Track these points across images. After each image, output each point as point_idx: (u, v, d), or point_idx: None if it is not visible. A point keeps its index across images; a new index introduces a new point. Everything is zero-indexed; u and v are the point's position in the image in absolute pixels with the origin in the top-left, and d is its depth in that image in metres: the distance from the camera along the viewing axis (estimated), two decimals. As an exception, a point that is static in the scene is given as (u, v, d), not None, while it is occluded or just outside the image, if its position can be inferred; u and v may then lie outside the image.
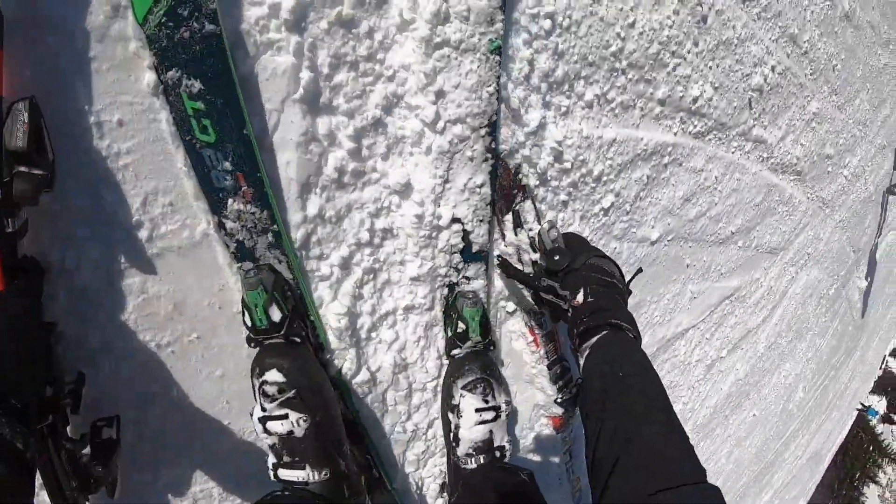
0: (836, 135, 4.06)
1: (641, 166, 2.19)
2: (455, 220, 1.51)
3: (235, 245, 1.20)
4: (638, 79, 2.06)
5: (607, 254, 1.41)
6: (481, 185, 1.52)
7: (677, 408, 3.32)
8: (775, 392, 5.18)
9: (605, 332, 1.19)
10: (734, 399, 4.16)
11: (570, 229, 2.03)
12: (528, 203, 1.75)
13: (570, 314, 1.32)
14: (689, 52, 2.24)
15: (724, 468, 4.83)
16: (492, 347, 1.61)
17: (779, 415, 5.66)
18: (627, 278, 1.40)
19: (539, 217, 1.80)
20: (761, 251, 3.45)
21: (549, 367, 2.02)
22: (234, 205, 1.16)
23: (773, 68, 2.86)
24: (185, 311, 1.22)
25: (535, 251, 1.61)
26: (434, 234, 1.50)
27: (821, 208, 4.23)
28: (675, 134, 2.31)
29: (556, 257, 1.39)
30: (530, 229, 1.69)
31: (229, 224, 1.18)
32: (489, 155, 1.52)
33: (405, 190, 1.42)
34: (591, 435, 1.01)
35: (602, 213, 2.11)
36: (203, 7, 1.01)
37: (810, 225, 4.14)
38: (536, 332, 1.92)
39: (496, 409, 1.49)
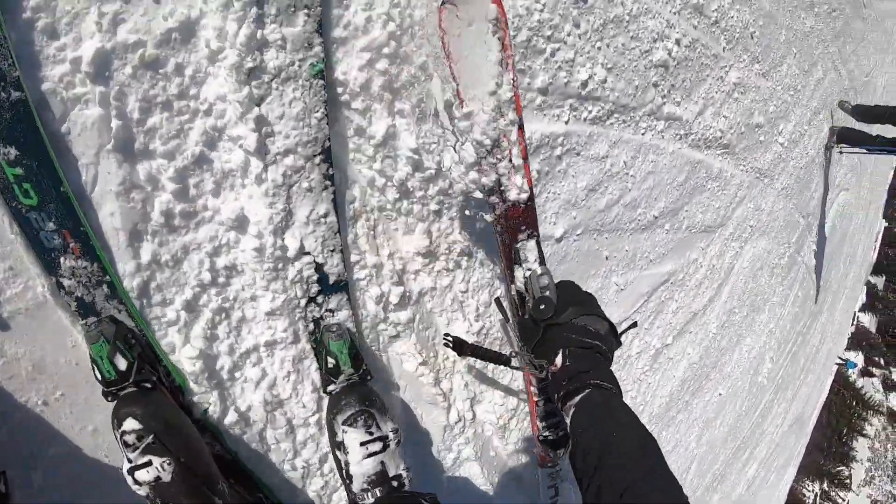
0: (763, 103, 3.90)
1: (530, 161, 1.99)
2: (304, 252, 1.45)
3: (76, 302, 1.21)
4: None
5: (599, 308, 1.34)
6: (325, 215, 1.47)
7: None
8: (740, 368, 5.03)
9: (587, 391, 1.17)
10: (692, 383, 3.99)
11: (450, 238, 1.85)
12: (533, 242, 1.67)
13: (549, 378, 1.31)
14: (569, 35, 2.04)
15: (695, 452, 4.67)
16: (368, 377, 1.55)
17: (748, 389, 5.52)
18: (622, 329, 1.34)
19: (542, 258, 1.69)
20: (695, 231, 3.28)
21: (537, 404, 2.03)
22: (66, 262, 1.18)
23: (678, 42, 2.67)
24: (45, 370, 1.22)
25: (527, 292, 1.56)
26: (281, 266, 1.44)
27: (758, 179, 4.07)
28: (566, 122, 2.11)
29: (542, 307, 1.34)
30: (528, 269, 1.63)
31: (66, 282, 1.19)
32: (328, 183, 1.45)
33: (241, 224, 1.36)
34: (587, 495, 1.01)
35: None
36: (7, 76, 1.03)
37: (748, 197, 3.97)
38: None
39: (383, 438, 1.44)
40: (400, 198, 1.70)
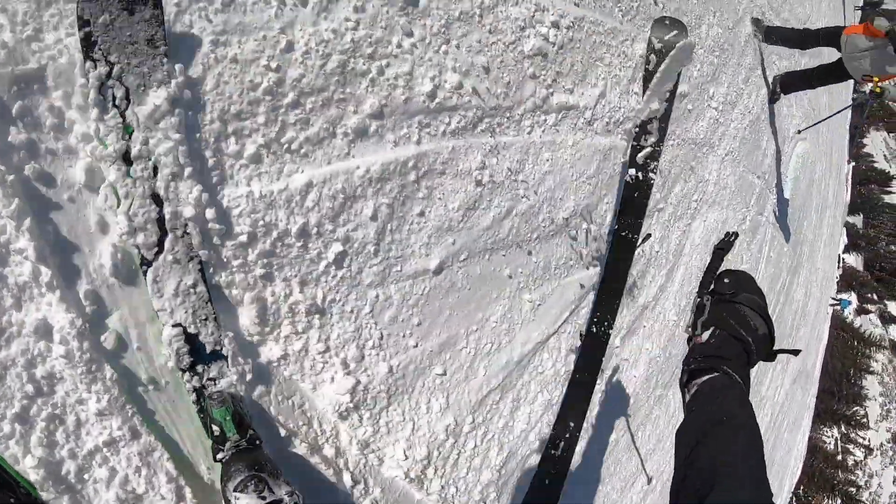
0: (684, 69, 3.58)
1: (371, 197, 1.70)
2: (175, 325, 1.42)
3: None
4: (323, 104, 1.58)
5: (767, 309, 1.32)
6: (194, 286, 1.43)
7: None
8: (716, 343, 4.70)
9: (715, 375, 1.17)
10: (659, 377, 3.68)
11: (291, 300, 1.58)
12: None
13: (690, 347, 1.33)
14: (398, 47, 1.74)
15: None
16: (257, 441, 1.49)
17: (732, 361, 5.18)
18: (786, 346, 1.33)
19: None
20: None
21: None
22: None
23: (555, 24, 2.37)
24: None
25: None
26: (94, 367, 1.35)
27: (693, 150, 3.76)
28: (418, 143, 1.81)
29: (726, 280, 1.36)
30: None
31: None
32: (193, 253, 1.42)
33: (46, 333, 1.30)
34: (682, 469, 1.02)
35: (332, 267, 1.64)
36: None
37: (686, 167, 3.67)
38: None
39: (277, 502, 1.38)
40: (214, 271, 1.46)
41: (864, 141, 16.79)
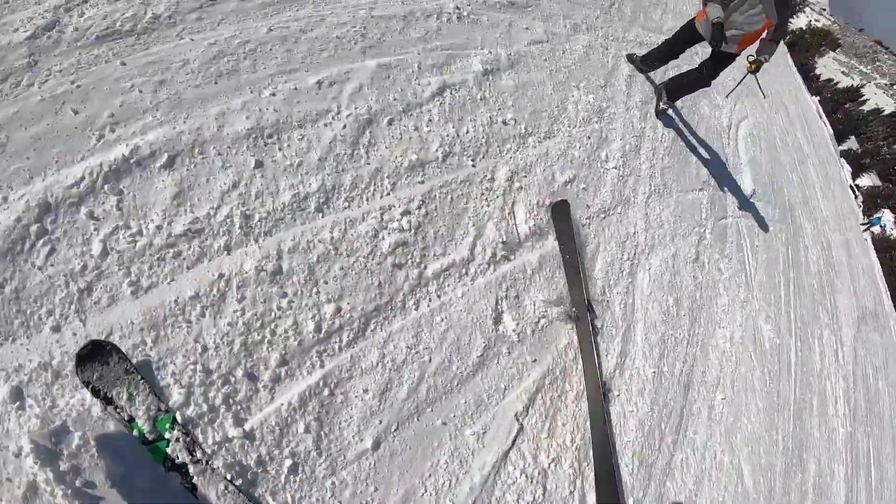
0: (560, 158, 4.38)
1: (300, 419, 2.49)
2: None
3: None
4: (242, 375, 2.41)
5: None
6: (226, 488, 2.19)
7: (564, 494, 3.35)
8: (732, 360, 5.09)
9: None
10: (663, 425, 4.14)
11: None
12: None
13: None
14: (279, 308, 2.60)
15: (735, 462, 4.63)
16: None
17: (759, 363, 5.52)
18: None
19: None
20: (554, 320, 3.62)
21: None
22: None
23: (406, 213, 3.22)
24: None
25: None
26: None
27: (605, 218, 4.45)
28: (322, 366, 2.61)
29: None
30: None
31: None
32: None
33: None
34: None
35: (290, 476, 2.41)
36: None
37: (604, 240, 4.34)
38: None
39: None
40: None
41: (818, 72, 17.58)
